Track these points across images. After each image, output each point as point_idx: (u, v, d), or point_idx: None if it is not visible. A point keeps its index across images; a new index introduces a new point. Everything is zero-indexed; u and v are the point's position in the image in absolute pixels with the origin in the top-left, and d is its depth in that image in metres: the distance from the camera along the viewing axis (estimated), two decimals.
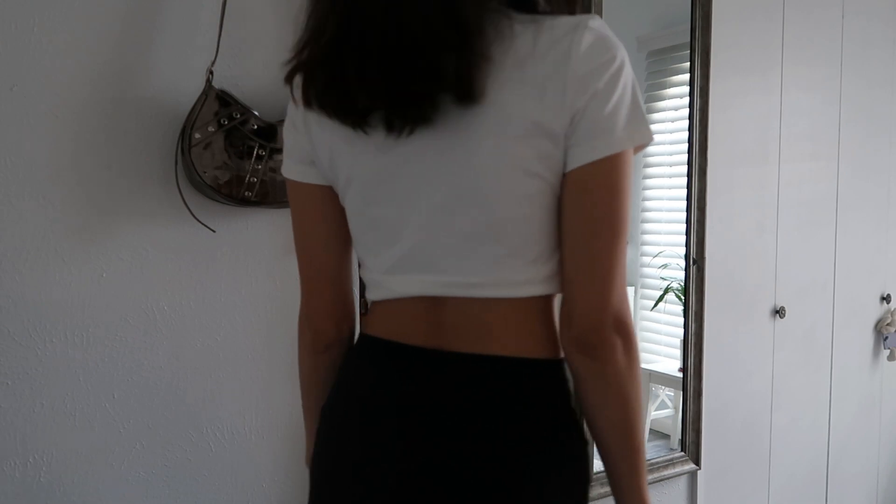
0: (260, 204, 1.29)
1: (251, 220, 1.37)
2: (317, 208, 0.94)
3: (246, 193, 1.27)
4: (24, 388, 1.20)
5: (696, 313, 2.05)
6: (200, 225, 1.30)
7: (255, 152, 1.28)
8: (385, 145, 0.82)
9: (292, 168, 0.94)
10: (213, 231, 1.32)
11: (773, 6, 2.19)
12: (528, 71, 0.77)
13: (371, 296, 0.93)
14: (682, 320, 2.07)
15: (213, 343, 1.35)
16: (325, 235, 0.95)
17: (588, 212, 0.80)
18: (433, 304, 0.86)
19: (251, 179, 1.27)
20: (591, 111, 0.77)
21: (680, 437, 2.10)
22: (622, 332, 0.82)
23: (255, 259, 1.38)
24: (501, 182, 0.79)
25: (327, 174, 0.91)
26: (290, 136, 0.94)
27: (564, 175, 0.80)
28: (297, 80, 0.87)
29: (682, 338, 2.08)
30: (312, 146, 0.90)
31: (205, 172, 1.24)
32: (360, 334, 0.96)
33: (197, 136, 1.23)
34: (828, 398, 2.48)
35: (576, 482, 0.87)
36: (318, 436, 0.96)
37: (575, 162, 0.79)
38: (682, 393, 2.09)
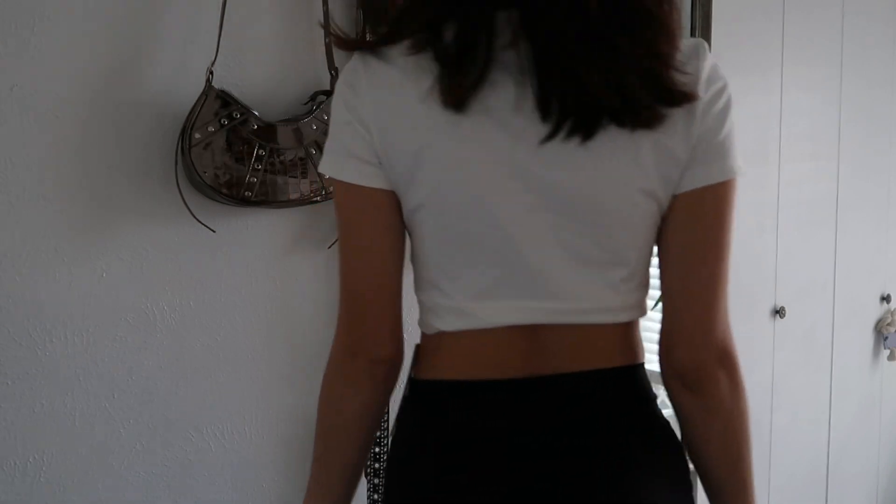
0: (260, 204, 1.29)
1: (251, 220, 1.37)
2: (381, 217, 0.80)
3: (246, 193, 1.27)
4: (24, 388, 1.20)
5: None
6: (200, 225, 1.29)
7: (255, 152, 1.28)
8: (517, 153, 0.74)
9: (353, 169, 0.79)
10: (213, 231, 1.32)
11: (773, 6, 2.19)
12: None
13: (444, 325, 0.81)
14: None
15: (213, 343, 1.35)
16: (389, 248, 0.81)
17: (699, 236, 0.79)
18: (529, 333, 0.79)
19: (251, 179, 1.27)
20: (710, 136, 0.77)
21: (680, 438, 2.10)
22: (727, 364, 0.81)
23: (255, 259, 1.38)
24: (630, 205, 0.76)
25: (398, 178, 0.78)
26: (348, 132, 0.78)
27: (674, 197, 0.78)
28: (361, 65, 0.78)
29: None
30: (383, 144, 0.77)
31: (205, 172, 1.24)
32: (422, 380, 0.83)
33: (197, 136, 1.23)
34: (828, 398, 2.48)
35: (678, 476, 0.84)
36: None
37: (688, 185, 0.77)
38: None
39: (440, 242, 0.79)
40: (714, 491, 0.87)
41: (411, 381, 0.85)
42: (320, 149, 1.33)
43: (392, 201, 0.80)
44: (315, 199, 1.33)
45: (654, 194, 0.77)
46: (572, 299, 0.78)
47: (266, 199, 1.29)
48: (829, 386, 2.49)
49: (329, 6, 1.37)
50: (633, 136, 0.73)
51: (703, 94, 0.76)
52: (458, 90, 0.72)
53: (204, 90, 1.25)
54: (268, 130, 1.29)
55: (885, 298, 2.65)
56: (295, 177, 1.31)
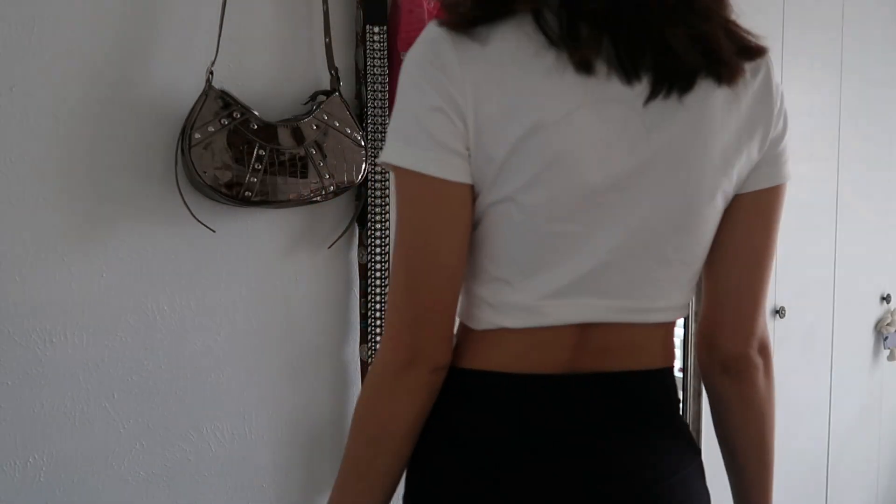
0: (260, 204, 1.29)
1: (251, 220, 1.37)
2: (463, 215, 0.74)
3: (246, 193, 1.27)
4: (24, 388, 1.20)
5: (696, 313, 2.05)
6: (200, 225, 1.29)
7: (255, 152, 1.28)
8: (606, 156, 0.72)
9: (442, 161, 0.72)
10: (213, 231, 1.32)
11: (773, 6, 2.19)
12: (741, 95, 0.76)
13: (508, 322, 0.78)
14: (682, 320, 2.07)
15: (213, 343, 1.35)
16: (464, 248, 0.75)
17: (757, 235, 0.82)
18: (584, 328, 0.78)
19: (251, 179, 1.27)
20: (778, 139, 0.80)
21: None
22: (764, 354, 0.86)
23: (255, 259, 1.38)
24: (712, 208, 0.78)
25: (487, 169, 0.73)
26: (437, 120, 0.71)
27: (736, 196, 0.81)
28: (448, 45, 0.71)
29: (682, 338, 2.08)
30: (478, 132, 0.71)
31: (205, 172, 1.24)
32: (466, 370, 0.80)
33: (197, 136, 1.23)
34: (828, 398, 2.48)
35: (703, 480, 0.86)
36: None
37: (754, 186, 0.80)
38: (682, 393, 2.09)
39: (523, 238, 0.75)
40: (740, 474, 0.91)
41: (467, 371, 0.80)
42: (321, 148, 1.33)
43: (471, 197, 0.74)
44: (315, 199, 1.33)
45: (727, 196, 0.80)
46: (642, 298, 0.79)
47: (266, 199, 1.29)
48: (829, 386, 2.49)
49: (329, 6, 1.37)
50: (722, 147, 0.75)
51: (776, 102, 0.79)
52: (587, 57, 0.69)
53: (204, 90, 1.25)
54: (268, 130, 1.29)
55: (885, 298, 2.65)
56: (295, 177, 1.31)
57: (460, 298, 0.80)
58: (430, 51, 0.72)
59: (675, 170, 0.75)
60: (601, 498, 0.76)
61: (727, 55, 0.73)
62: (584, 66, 0.69)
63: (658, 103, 0.72)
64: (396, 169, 0.74)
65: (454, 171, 0.72)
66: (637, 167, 0.74)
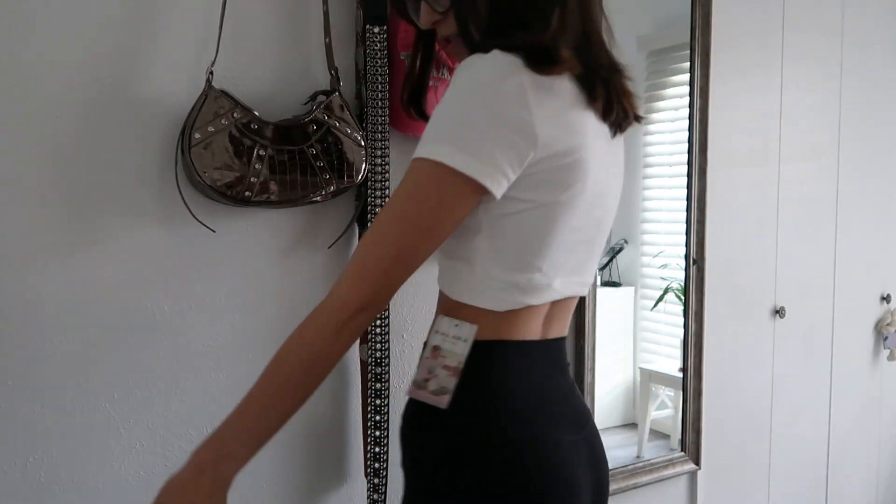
0: (260, 204, 1.29)
1: (251, 220, 1.37)
2: (469, 211, 0.91)
3: (246, 193, 1.27)
4: (24, 387, 1.20)
5: (696, 313, 2.05)
6: (200, 225, 1.30)
7: (255, 152, 1.28)
8: (601, 171, 0.99)
9: (496, 176, 0.88)
10: (213, 231, 1.32)
11: (773, 6, 2.20)
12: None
13: (533, 300, 0.97)
14: (682, 320, 2.07)
15: (213, 343, 1.35)
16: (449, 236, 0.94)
17: None
18: (554, 302, 1.02)
19: (251, 179, 1.27)
20: None
21: (680, 437, 2.11)
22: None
23: (255, 259, 1.38)
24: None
25: (532, 181, 0.91)
26: (505, 147, 0.88)
27: None
28: (528, 81, 0.88)
29: (682, 338, 2.08)
30: (539, 155, 0.90)
31: (205, 173, 1.24)
32: (506, 341, 0.97)
33: (197, 136, 1.23)
34: (828, 398, 2.49)
35: None
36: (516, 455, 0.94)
37: None
38: (682, 393, 2.09)
39: (560, 233, 0.95)
40: None
41: (506, 342, 0.97)
42: (321, 148, 1.33)
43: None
44: (315, 199, 1.33)
45: None
46: (588, 275, 1.05)
47: (266, 199, 1.29)
48: (829, 386, 2.49)
49: (329, 6, 1.37)
50: (622, 166, 1.08)
51: None
52: (599, 105, 0.96)
53: (204, 90, 1.25)
54: (268, 130, 1.29)
55: (885, 298, 2.65)
56: (295, 177, 1.31)
57: (477, 286, 0.97)
58: (513, 82, 0.87)
59: (618, 185, 1.06)
60: (576, 427, 1.01)
61: (637, 109, 1.04)
62: (596, 110, 0.97)
63: (614, 139, 1.02)
64: (444, 167, 0.87)
65: (499, 185, 0.89)
66: (610, 182, 1.03)
